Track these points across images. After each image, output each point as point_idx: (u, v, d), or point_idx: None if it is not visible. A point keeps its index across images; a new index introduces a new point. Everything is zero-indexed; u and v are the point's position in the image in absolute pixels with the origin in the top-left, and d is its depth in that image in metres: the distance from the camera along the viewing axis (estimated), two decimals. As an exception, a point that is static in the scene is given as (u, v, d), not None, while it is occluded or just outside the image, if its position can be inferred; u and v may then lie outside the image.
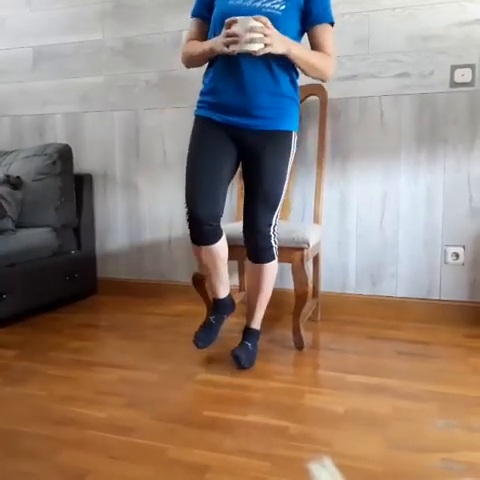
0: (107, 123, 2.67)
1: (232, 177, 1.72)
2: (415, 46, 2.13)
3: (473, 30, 2.04)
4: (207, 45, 1.58)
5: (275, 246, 1.72)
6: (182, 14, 2.45)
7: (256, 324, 1.82)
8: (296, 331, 1.90)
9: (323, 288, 2.29)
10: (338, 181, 2.29)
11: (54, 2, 2.68)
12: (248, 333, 1.81)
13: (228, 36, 1.47)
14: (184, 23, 2.44)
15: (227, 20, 1.47)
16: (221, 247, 1.73)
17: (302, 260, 1.85)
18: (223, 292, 1.84)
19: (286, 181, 1.70)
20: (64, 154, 2.54)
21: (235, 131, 1.62)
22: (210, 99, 1.64)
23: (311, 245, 1.89)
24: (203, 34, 1.67)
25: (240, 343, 1.78)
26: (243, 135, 1.63)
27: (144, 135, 2.62)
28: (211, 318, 1.83)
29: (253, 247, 1.71)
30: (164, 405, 1.49)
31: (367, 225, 2.28)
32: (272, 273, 1.75)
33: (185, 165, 1.67)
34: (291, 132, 1.69)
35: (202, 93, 1.68)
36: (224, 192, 1.68)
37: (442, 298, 2.21)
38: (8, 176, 2.46)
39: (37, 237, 2.39)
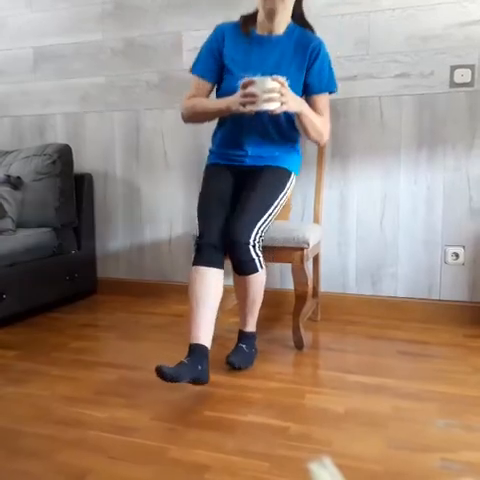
0: (107, 123, 2.68)
1: None
2: (415, 47, 2.13)
3: (473, 31, 2.05)
4: (224, 103, 1.66)
5: (257, 258, 1.67)
6: (182, 15, 2.46)
7: (250, 327, 1.80)
8: (296, 331, 1.90)
9: (323, 288, 2.29)
10: (338, 181, 2.29)
11: (55, 3, 2.69)
12: (242, 336, 1.80)
13: (245, 96, 1.53)
14: (183, 24, 2.46)
15: (244, 81, 1.53)
16: (217, 280, 1.63)
17: (302, 260, 1.85)
18: (201, 337, 1.53)
19: (271, 208, 1.72)
20: (64, 154, 2.54)
21: (238, 169, 1.81)
22: (218, 150, 1.86)
23: (311, 245, 1.89)
24: (205, 94, 1.79)
25: (235, 347, 1.78)
26: (245, 171, 1.80)
27: (144, 135, 2.62)
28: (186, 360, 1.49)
29: (234, 260, 1.67)
30: (164, 405, 1.49)
31: (367, 225, 2.28)
32: (258, 284, 1.71)
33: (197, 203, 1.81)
34: (289, 171, 1.83)
35: (211, 150, 1.90)
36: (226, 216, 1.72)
37: (442, 298, 2.22)
38: (8, 176, 2.46)
39: (37, 237, 2.39)
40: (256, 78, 1.51)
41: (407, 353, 1.87)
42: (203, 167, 2.44)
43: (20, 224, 2.42)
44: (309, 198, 2.29)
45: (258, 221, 1.68)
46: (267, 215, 1.72)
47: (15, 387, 1.63)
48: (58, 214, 2.49)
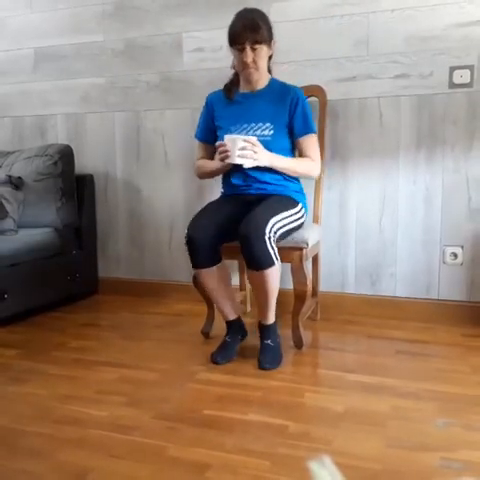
0: (108, 124, 2.69)
1: None
2: (414, 47, 2.14)
3: (472, 31, 2.05)
4: (214, 165, 1.97)
5: (273, 251, 1.70)
6: (182, 16, 2.47)
7: (271, 319, 1.82)
8: (295, 330, 1.91)
9: (322, 288, 2.30)
10: (337, 181, 2.30)
11: (55, 4, 2.69)
12: (264, 331, 1.82)
13: (220, 153, 1.79)
14: (184, 25, 2.47)
15: (217, 143, 1.82)
16: (221, 269, 1.83)
17: (301, 260, 1.86)
18: (232, 313, 1.90)
19: (283, 213, 1.79)
20: (65, 155, 2.55)
21: (245, 198, 1.93)
22: (225, 188, 2.04)
23: (310, 245, 1.90)
24: (210, 154, 2.05)
25: (261, 345, 1.80)
26: (252, 200, 1.89)
27: (145, 136, 2.63)
28: (226, 338, 1.88)
29: (249, 254, 1.69)
30: (165, 404, 1.50)
31: (366, 225, 2.29)
32: (275, 277, 1.73)
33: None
34: (295, 200, 1.92)
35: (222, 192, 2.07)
36: (225, 232, 1.81)
37: (441, 298, 2.22)
38: (10, 176, 2.47)
39: (39, 237, 2.40)
40: (227, 137, 1.77)
41: (406, 352, 1.88)
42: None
43: (21, 224, 2.43)
44: (308, 198, 2.29)
45: (272, 216, 1.73)
46: (281, 215, 1.77)
47: (16, 386, 1.64)
48: (59, 214, 2.50)
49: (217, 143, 1.83)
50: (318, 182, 2.18)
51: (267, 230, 1.68)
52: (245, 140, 1.75)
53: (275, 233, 1.72)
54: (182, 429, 1.36)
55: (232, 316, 1.90)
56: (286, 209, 1.83)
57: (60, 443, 1.30)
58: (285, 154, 1.92)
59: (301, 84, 2.15)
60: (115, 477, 1.16)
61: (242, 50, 1.84)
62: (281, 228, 1.76)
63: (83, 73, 2.69)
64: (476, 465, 1.18)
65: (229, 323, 1.90)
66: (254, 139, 1.78)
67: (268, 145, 1.85)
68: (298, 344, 1.91)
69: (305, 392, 1.57)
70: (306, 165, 1.94)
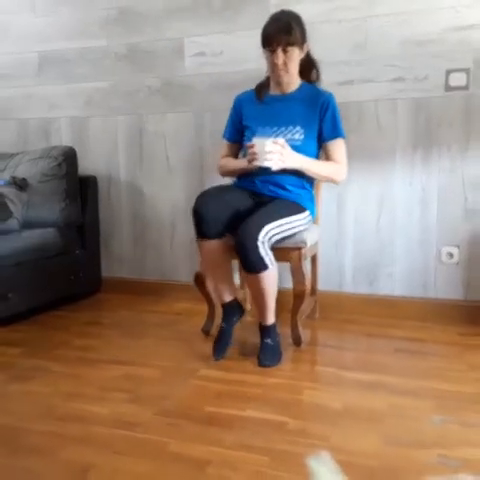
0: (111, 127, 2.71)
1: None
2: (410, 51, 2.16)
3: (467, 35, 2.07)
4: (242, 163, 1.95)
5: (267, 257, 1.71)
6: (184, 21, 2.49)
7: (270, 320, 1.83)
8: (294, 329, 1.93)
9: (321, 287, 2.31)
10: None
11: (59, 8, 2.72)
12: (264, 331, 1.84)
13: (249, 155, 1.80)
14: (186, 30, 2.49)
15: (248, 143, 1.82)
16: (225, 244, 1.83)
17: (300, 259, 1.88)
18: (228, 295, 1.90)
19: (283, 219, 1.79)
20: (69, 156, 2.58)
21: (252, 192, 1.95)
22: (241, 183, 2.01)
23: (309, 244, 1.92)
24: (235, 153, 2.09)
25: (261, 344, 1.82)
26: (258, 195, 1.94)
27: (147, 139, 2.66)
28: (222, 324, 1.89)
29: (242, 258, 1.72)
30: (166, 401, 1.52)
31: (364, 226, 2.32)
32: (270, 279, 1.75)
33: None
34: (304, 207, 1.93)
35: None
36: (231, 209, 1.82)
37: (437, 297, 2.25)
38: (14, 178, 2.49)
39: (42, 237, 2.41)
40: (255, 140, 1.78)
41: (403, 351, 1.90)
42: (204, 169, 2.48)
43: (26, 225, 2.45)
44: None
45: (267, 223, 1.74)
46: (278, 222, 1.77)
47: (19, 384, 1.66)
48: (63, 215, 2.51)
49: (247, 143, 1.83)
50: (317, 182, 2.21)
51: (260, 236, 1.69)
52: (274, 142, 1.75)
53: (270, 239, 1.73)
54: (183, 425, 1.37)
55: (228, 298, 1.90)
56: (288, 215, 1.83)
57: (63, 440, 1.31)
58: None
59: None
60: (117, 473, 1.17)
61: (273, 52, 1.85)
62: (277, 234, 1.77)
63: (86, 77, 2.72)
64: (473, 462, 1.19)
65: (225, 306, 1.90)
66: (282, 141, 1.78)
67: (297, 150, 1.86)
68: (297, 342, 1.93)
69: (304, 389, 1.59)
70: (334, 168, 1.95)
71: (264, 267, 1.72)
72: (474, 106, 2.11)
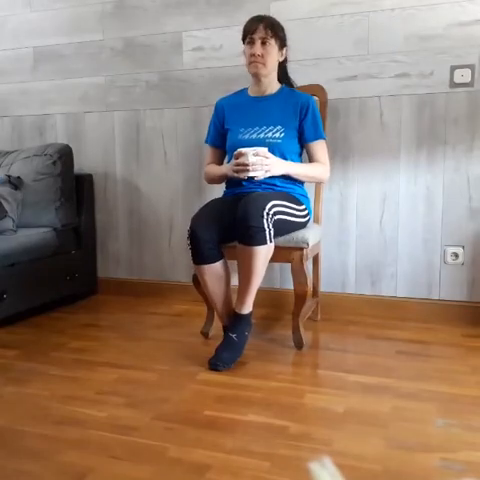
0: (107, 123, 2.68)
1: None
2: (415, 46, 2.13)
3: (473, 30, 2.05)
4: (224, 170, 1.98)
5: (268, 230, 1.69)
6: (182, 15, 2.46)
7: (247, 308, 1.78)
8: (296, 331, 1.91)
9: (323, 288, 2.29)
10: (338, 181, 2.30)
11: (54, 3, 2.69)
12: (235, 321, 1.78)
13: (237, 165, 1.80)
14: (184, 24, 2.46)
15: (235, 152, 1.82)
16: (223, 267, 1.82)
17: (301, 260, 1.86)
18: (226, 319, 1.86)
19: (278, 200, 1.78)
20: (64, 154, 2.55)
21: (241, 195, 1.91)
22: (232, 191, 2.02)
23: (310, 245, 1.90)
24: (219, 158, 2.10)
25: (224, 337, 1.77)
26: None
27: (144, 135, 2.62)
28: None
29: (243, 227, 1.68)
30: (165, 405, 1.50)
31: (367, 225, 2.29)
32: (263, 257, 1.71)
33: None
34: (300, 201, 1.93)
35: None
36: (227, 231, 1.80)
37: (441, 298, 2.22)
38: (9, 176, 2.47)
39: (38, 237, 2.39)
40: (243, 150, 1.78)
41: (406, 353, 1.88)
42: (202, 166, 2.45)
43: (21, 224, 2.43)
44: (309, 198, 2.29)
45: (272, 200, 1.75)
46: (282, 202, 1.79)
47: (15, 387, 1.64)
48: (59, 214, 2.49)
49: (236, 152, 1.82)
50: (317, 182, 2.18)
51: (267, 207, 1.70)
52: (256, 154, 1.77)
53: (274, 214, 1.72)
54: (182, 430, 1.35)
55: (228, 322, 1.85)
56: (289, 201, 1.85)
57: (60, 444, 1.30)
58: (294, 157, 1.98)
59: (301, 83, 2.15)
60: (115, 478, 1.16)
61: (252, 44, 1.88)
62: (281, 213, 1.76)
63: (82, 72, 2.69)
64: (476, 466, 1.18)
65: (225, 328, 1.85)
66: (265, 150, 1.80)
67: (279, 147, 1.91)
68: (298, 345, 1.91)
69: (305, 393, 1.57)
70: (318, 169, 1.99)
71: (263, 240, 1.68)
72: (479, 103, 2.08)
